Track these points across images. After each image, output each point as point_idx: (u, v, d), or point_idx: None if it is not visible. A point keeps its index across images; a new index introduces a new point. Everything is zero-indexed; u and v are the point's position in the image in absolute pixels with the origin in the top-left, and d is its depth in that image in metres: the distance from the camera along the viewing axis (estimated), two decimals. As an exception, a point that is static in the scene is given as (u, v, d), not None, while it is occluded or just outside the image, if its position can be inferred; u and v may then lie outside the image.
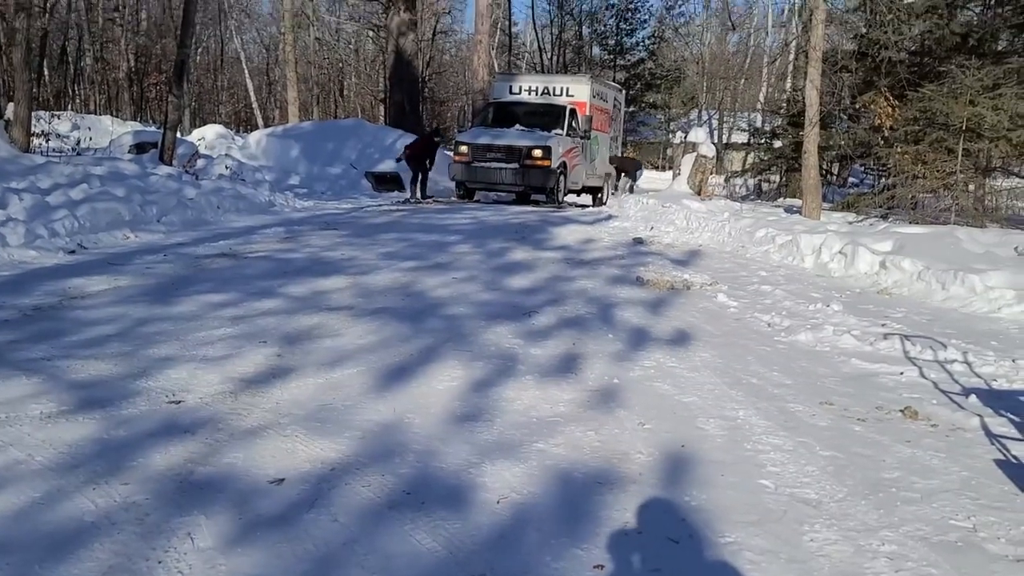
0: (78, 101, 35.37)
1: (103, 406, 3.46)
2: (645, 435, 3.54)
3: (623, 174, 20.55)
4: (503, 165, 15.86)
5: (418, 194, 16.43)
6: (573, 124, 16.99)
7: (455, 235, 9.75)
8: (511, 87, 18.91)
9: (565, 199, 17.06)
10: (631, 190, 19.36)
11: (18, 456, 2.95)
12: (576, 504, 2.85)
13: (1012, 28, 15.07)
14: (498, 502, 2.83)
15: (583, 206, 17.73)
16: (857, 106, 16.85)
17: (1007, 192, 13.37)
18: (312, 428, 3.37)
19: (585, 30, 45.94)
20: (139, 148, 16.15)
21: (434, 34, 41.74)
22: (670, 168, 27.72)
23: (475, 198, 17.13)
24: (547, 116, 16.89)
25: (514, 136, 16.15)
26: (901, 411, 4.01)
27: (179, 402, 3.58)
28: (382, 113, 34.49)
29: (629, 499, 2.90)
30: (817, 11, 12.62)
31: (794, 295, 6.99)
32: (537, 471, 3.09)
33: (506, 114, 17.42)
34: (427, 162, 16.87)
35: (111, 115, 29.99)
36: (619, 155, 20.97)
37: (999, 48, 14.97)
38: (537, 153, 15.64)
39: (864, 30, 16.58)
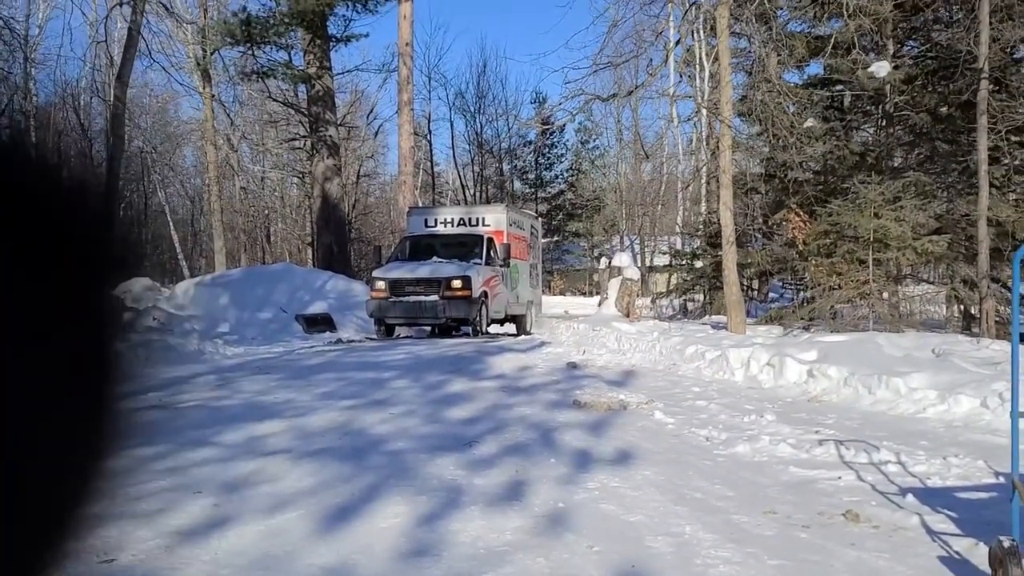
0: None
1: (29, 572, 3.28)
2: (595, 558, 3.50)
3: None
4: (422, 298, 15.77)
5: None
6: (491, 253, 17.15)
7: (391, 371, 9.71)
8: (427, 220, 19.12)
9: (488, 329, 17.08)
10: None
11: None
12: (531, 634, 2.79)
13: (904, 146, 16.20)
14: (451, 639, 2.75)
15: (508, 335, 17.85)
16: (770, 224, 17.65)
17: (919, 298, 14.02)
18: (253, 578, 3.25)
19: (505, 166, 47.55)
20: (61, 304, 15.82)
21: (358, 177, 42.66)
22: (597, 293, 28.30)
23: (399, 334, 17.03)
24: (464, 246, 17.03)
25: (431, 267, 16.19)
26: (843, 515, 4.06)
27: (112, 560, 3.43)
28: (310, 256, 34.68)
29: (584, 625, 2.85)
30: (723, 138, 13.37)
31: (729, 408, 7.12)
32: (489, 603, 3.03)
33: (423, 247, 17.54)
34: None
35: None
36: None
37: (895, 164, 16.02)
38: (457, 283, 15.64)
39: (769, 153, 17.57)
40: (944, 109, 14.34)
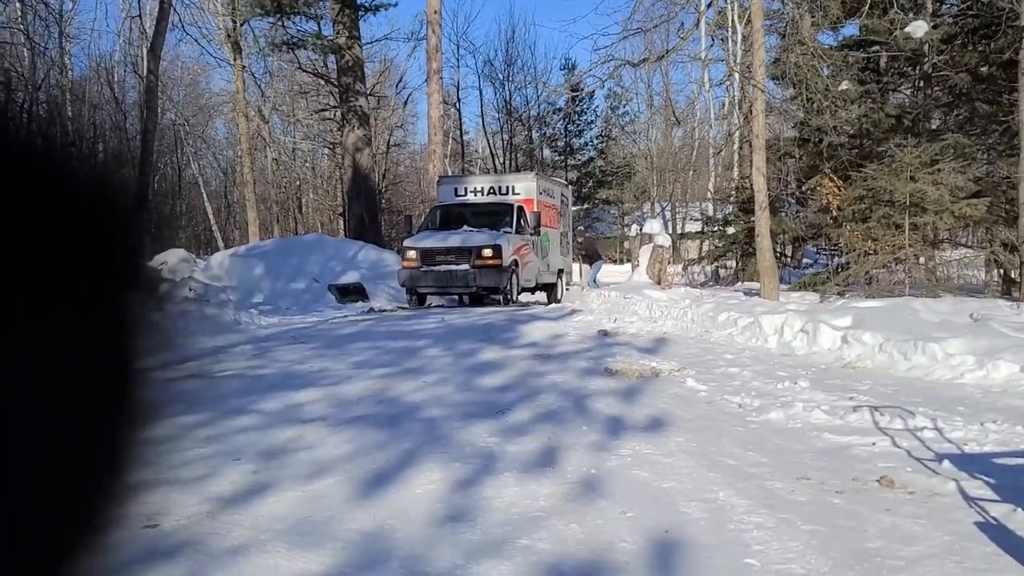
0: (36, 235, 35.27)
1: (78, 536, 3.39)
2: (628, 523, 3.53)
3: (587, 261, 20.22)
4: (453, 267, 15.80)
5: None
6: (522, 221, 17.12)
7: (424, 340, 9.78)
8: (456, 189, 19.10)
9: (519, 297, 17.10)
10: (592, 282, 19.20)
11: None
12: (566, 598, 2.83)
13: (942, 107, 15.86)
14: (487, 602, 2.80)
15: (539, 303, 17.85)
16: (804, 189, 17.42)
17: (956, 262, 13.80)
18: (293, 542, 3.32)
19: (534, 134, 47.25)
20: (100, 277, 16.08)
21: (388, 147, 42.68)
22: (628, 261, 28.19)
23: (430, 303, 17.11)
24: (495, 215, 17.00)
25: (462, 236, 16.20)
26: (878, 481, 4.05)
27: (155, 526, 3.52)
28: (341, 227, 34.87)
29: (618, 588, 2.89)
30: (757, 102, 13.18)
31: (761, 375, 7.09)
32: (524, 568, 3.07)
33: (453, 216, 17.54)
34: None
35: (70, 246, 29.88)
36: (581, 241, 20.68)
37: (933, 127, 15.71)
38: (487, 252, 15.64)
39: (803, 117, 17.30)
40: (984, 69, 14.01)
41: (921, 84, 16.15)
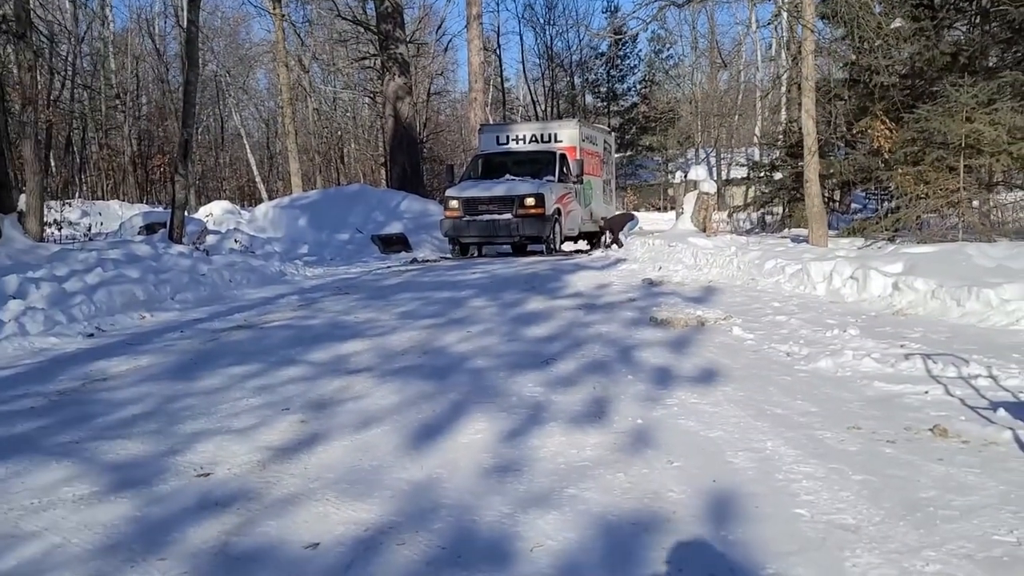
0: (85, 188, 35.91)
1: (135, 485, 3.48)
2: (675, 473, 3.53)
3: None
4: (496, 216, 15.74)
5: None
6: (564, 170, 16.96)
7: (469, 290, 9.81)
8: (498, 138, 18.95)
9: (563, 246, 17.01)
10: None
11: (55, 541, 2.96)
12: (612, 547, 2.84)
13: (1000, 44, 15.25)
14: (532, 550, 2.82)
15: (582, 251, 17.73)
16: (854, 132, 16.96)
17: (1012, 205, 13.39)
18: (342, 491, 3.38)
19: (576, 80, 46.69)
20: (149, 229, 16.36)
21: (428, 96, 42.41)
22: (672, 208, 27.83)
23: (473, 253, 17.10)
24: (537, 164, 16.86)
25: (505, 186, 16.10)
26: (930, 430, 3.99)
27: (208, 475, 3.60)
28: (383, 177, 34.91)
29: (665, 538, 2.89)
30: (806, 43, 12.79)
31: (809, 323, 6.99)
32: (570, 516, 3.08)
33: (495, 165, 17.43)
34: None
35: (118, 199, 30.43)
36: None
37: (990, 64, 15.12)
38: (530, 202, 15.55)
39: (854, 57, 16.78)
40: (1047, 1, 13.39)
41: (978, 20, 15.50)
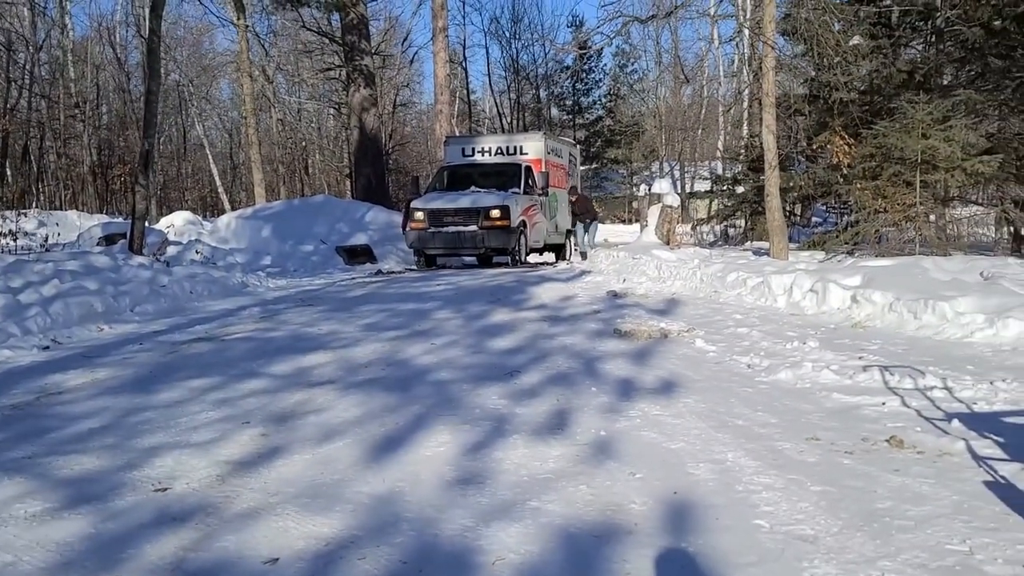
0: (43, 198, 35.32)
1: (90, 501, 3.42)
2: (637, 484, 3.54)
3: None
4: (461, 228, 15.75)
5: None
6: (530, 182, 17.01)
7: (433, 302, 9.78)
8: (464, 150, 18.97)
9: (527, 258, 17.04)
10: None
11: (6, 560, 2.90)
12: (574, 559, 2.84)
13: (955, 63, 15.59)
14: (493, 563, 2.81)
15: (547, 264, 17.77)
16: (814, 147, 17.24)
17: (967, 220, 13.67)
18: (303, 505, 3.34)
19: (542, 93, 46.91)
20: (108, 240, 16.13)
21: (394, 107, 42.35)
22: (636, 221, 28.05)
23: (440, 264, 17.09)
24: (503, 176, 16.89)
25: (471, 198, 16.11)
26: (887, 441, 4.05)
27: (166, 490, 3.54)
28: (348, 188, 34.75)
29: (627, 550, 2.89)
30: (767, 59, 12.99)
31: (770, 335, 7.07)
32: (533, 529, 3.08)
33: (461, 177, 17.43)
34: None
35: (76, 209, 29.96)
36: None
37: (945, 82, 15.46)
38: (495, 214, 15.57)
39: (813, 74, 17.06)
40: (998, 23, 13.71)
41: (933, 39, 15.85)
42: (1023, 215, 12.30)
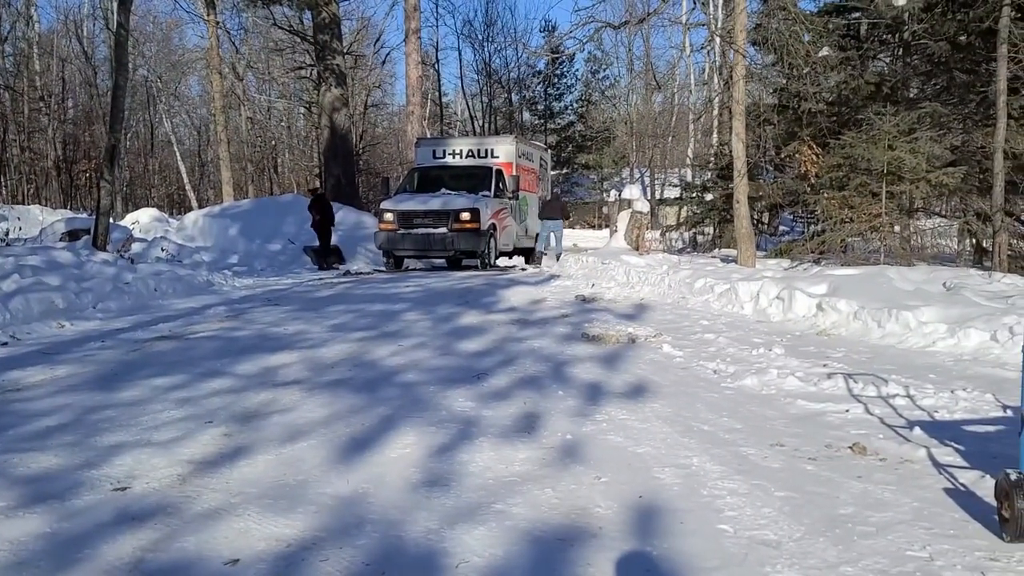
0: (5, 192, 34.68)
1: (46, 500, 3.35)
2: (602, 488, 3.54)
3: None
4: (431, 230, 15.73)
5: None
6: (500, 185, 17.02)
7: (402, 303, 9.74)
8: (435, 151, 18.94)
9: (497, 262, 17.03)
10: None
11: (-42, 558, 2.83)
12: (538, 562, 2.83)
13: (921, 76, 15.85)
14: (457, 566, 2.79)
15: (517, 267, 17.76)
16: (782, 156, 17.40)
17: (931, 231, 13.89)
18: (265, 506, 3.30)
19: (514, 97, 46.94)
20: (71, 235, 15.86)
21: (365, 108, 42.12)
22: (606, 226, 28.13)
23: (407, 266, 17.04)
24: (473, 179, 16.88)
25: (441, 200, 16.09)
26: (850, 448, 4.09)
27: (125, 489, 3.48)
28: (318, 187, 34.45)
29: (591, 554, 2.89)
30: (737, 68, 13.11)
31: (737, 341, 7.12)
32: (497, 532, 3.07)
33: (431, 179, 17.40)
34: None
35: (39, 204, 29.45)
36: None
37: (911, 95, 15.70)
38: (466, 216, 15.57)
39: (783, 83, 17.24)
40: (964, 38, 13.95)
41: (900, 52, 16.11)
42: (984, 227, 12.51)
